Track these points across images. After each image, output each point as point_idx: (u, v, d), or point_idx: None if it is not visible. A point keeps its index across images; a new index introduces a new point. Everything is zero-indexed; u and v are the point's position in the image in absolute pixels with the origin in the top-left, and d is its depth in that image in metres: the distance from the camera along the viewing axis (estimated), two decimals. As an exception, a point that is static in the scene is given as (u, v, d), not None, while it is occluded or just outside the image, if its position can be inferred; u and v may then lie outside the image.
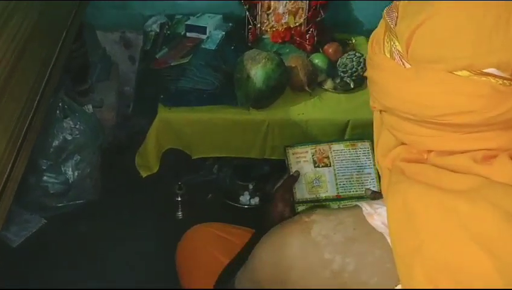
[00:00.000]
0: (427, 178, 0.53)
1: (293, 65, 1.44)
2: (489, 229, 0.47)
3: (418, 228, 0.50)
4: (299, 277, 0.58)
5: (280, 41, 1.61)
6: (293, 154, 0.99)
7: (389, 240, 0.54)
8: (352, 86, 1.51)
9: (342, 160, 0.99)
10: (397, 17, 0.55)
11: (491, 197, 0.48)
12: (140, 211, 1.57)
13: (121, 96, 1.87)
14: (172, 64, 1.44)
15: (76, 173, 1.41)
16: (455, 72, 0.48)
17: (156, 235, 1.51)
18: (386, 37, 0.56)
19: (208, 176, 1.65)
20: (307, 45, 1.60)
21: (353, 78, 1.51)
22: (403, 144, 0.59)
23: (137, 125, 1.65)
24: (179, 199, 1.55)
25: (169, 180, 1.58)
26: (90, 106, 1.48)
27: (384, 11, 0.57)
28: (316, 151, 0.99)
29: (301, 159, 0.99)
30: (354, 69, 1.51)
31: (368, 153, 0.99)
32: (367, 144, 0.99)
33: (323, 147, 1.00)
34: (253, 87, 1.33)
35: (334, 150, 0.99)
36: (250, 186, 1.63)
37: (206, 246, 1.05)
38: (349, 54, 1.53)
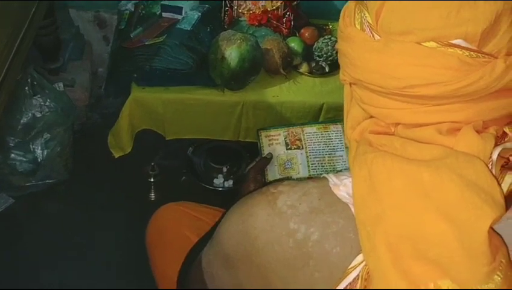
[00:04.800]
0: (394, 149, 0.53)
1: (269, 47, 1.43)
2: (451, 198, 0.47)
3: (381, 196, 0.51)
4: (264, 246, 0.58)
5: (257, 24, 1.60)
6: (266, 137, 0.99)
7: (353, 210, 0.54)
8: (327, 70, 1.52)
9: (314, 142, 0.99)
10: None
11: (455, 167, 0.48)
12: (112, 192, 1.55)
13: (94, 77, 1.84)
14: (146, 43, 1.42)
15: (45, 152, 1.37)
16: (423, 44, 0.49)
17: (127, 216, 1.50)
18: (356, 9, 0.56)
19: (182, 158, 1.64)
20: (283, 29, 1.60)
21: (328, 62, 1.53)
22: (371, 117, 0.59)
23: (111, 106, 1.63)
24: (152, 180, 1.53)
25: (142, 161, 1.56)
26: (61, 84, 1.44)
27: None
28: (288, 133, 0.99)
29: (273, 141, 0.99)
30: (329, 53, 1.52)
31: (340, 135, 0.99)
32: (339, 126, 1.00)
33: (296, 129, 1.00)
34: (227, 67, 1.32)
35: (306, 133, 0.99)
36: (224, 169, 1.62)
37: (176, 225, 1.04)
38: (324, 38, 1.54)
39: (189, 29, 1.48)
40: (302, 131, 1.00)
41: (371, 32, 0.53)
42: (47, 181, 1.44)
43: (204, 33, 1.49)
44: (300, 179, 0.99)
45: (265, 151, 0.98)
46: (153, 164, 1.52)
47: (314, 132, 1.00)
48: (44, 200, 1.50)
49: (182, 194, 1.57)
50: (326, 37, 1.55)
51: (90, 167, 1.59)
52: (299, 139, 0.99)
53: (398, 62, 0.50)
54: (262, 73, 1.45)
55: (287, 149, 0.98)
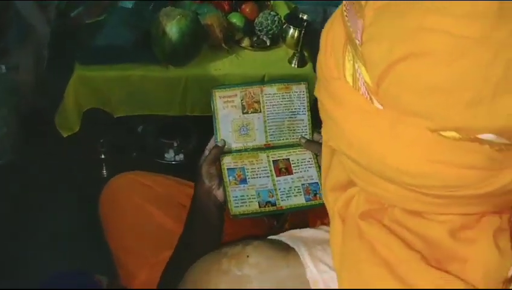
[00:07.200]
0: (396, 260, 0.44)
1: (209, 23, 1.48)
2: None
3: None
4: None
5: (199, 2, 1.64)
6: (220, 97, 0.89)
7: None
8: (268, 44, 1.58)
9: (273, 105, 0.90)
10: (363, 29, 0.39)
11: None
12: (63, 172, 1.57)
13: (40, 60, 1.82)
14: (87, 22, 1.44)
15: (-10, 134, 1.38)
16: (442, 133, 0.37)
17: (80, 194, 1.52)
18: (347, 52, 0.41)
19: (132, 135, 1.68)
20: (224, 5, 1.64)
21: (269, 36, 1.59)
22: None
23: (58, 87, 1.63)
24: (103, 157, 1.56)
25: (92, 139, 1.59)
26: (3, 67, 1.44)
27: (344, 2, 0.41)
28: (245, 94, 0.90)
29: (229, 103, 0.89)
30: (269, 28, 1.58)
31: (303, 97, 0.90)
32: (303, 86, 0.90)
33: (254, 89, 0.90)
34: (168, 43, 1.36)
35: (265, 94, 0.90)
36: (175, 144, 1.68)
37: (128, 194, 1.04)
38: (264, 13, 1.60)
39: (130, 7, 1.50)
40: (261, 92, 0.90)
41: (369, 95, 0.40)
42: (-5, 163, 1.45)
43: (146, 11, 1.52)
44: (255, 147, 0.87)
45: (220, 114, 0.88)
46: (101, 140, 1.55)
47: (274, 93, 0.90)
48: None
49: (134, 169, 1.59)
50: (266, 11, 1.61)
51: (39, 148, 1.59)
52: (257, 102, 0.90)
53: (411, 155, 0.39)
54: (205, 49, 1.50)
55: (243, 113, 0.89)
